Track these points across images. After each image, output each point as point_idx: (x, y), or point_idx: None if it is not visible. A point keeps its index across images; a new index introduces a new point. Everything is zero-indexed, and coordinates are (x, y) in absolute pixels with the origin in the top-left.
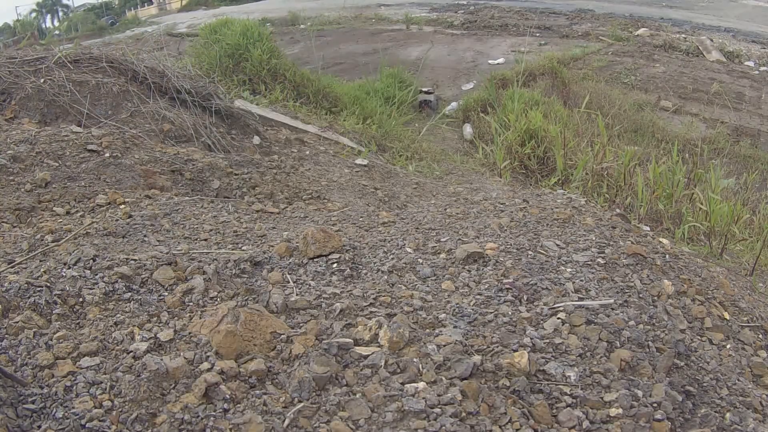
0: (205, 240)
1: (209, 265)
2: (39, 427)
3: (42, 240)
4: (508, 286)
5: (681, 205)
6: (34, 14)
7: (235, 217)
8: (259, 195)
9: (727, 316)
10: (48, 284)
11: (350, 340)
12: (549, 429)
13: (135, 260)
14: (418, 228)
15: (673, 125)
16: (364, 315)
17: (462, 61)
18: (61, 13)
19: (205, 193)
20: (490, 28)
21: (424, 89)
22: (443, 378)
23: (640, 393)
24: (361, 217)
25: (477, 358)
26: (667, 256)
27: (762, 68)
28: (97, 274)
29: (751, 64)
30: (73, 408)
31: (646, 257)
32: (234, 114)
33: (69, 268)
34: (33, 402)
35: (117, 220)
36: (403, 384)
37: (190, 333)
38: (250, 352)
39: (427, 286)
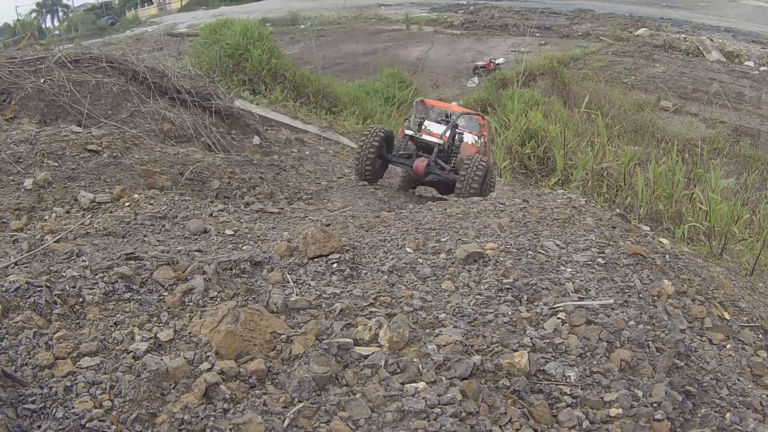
0: (205, 240)
1: (209, 265)
2: (39, 427)
3: (42, 240)
4: (508, 286)
5: (681, 205)
6: (34, 14)
7: (235, 217)
8: (259, 195)
9: (727, 316)
10: (48, 284)
11: (350, 340)
12: (549, 429)
13: (135, 260)
14: (418, 228)
15: (673, 125)
16: (364, 315)
17: (462, 61)
18: (61, 13)
19: (205, 193)
20: (490, 28)
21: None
22: (443, 378)
23: (640, 393)
24: (361, 217)
25: (477, 358)
26: (667, 256)
27: (762, 68)
28: (97, 274)
29: (751, 64)
30: (73, 408)
31: (646, 257)
32: (234, 114)
33: (69, 268)
34: (33, 402)
35: (117, 220)
36: (403, 384)
37: (190, 333)
38: (250, 352)
39: (427, 286)
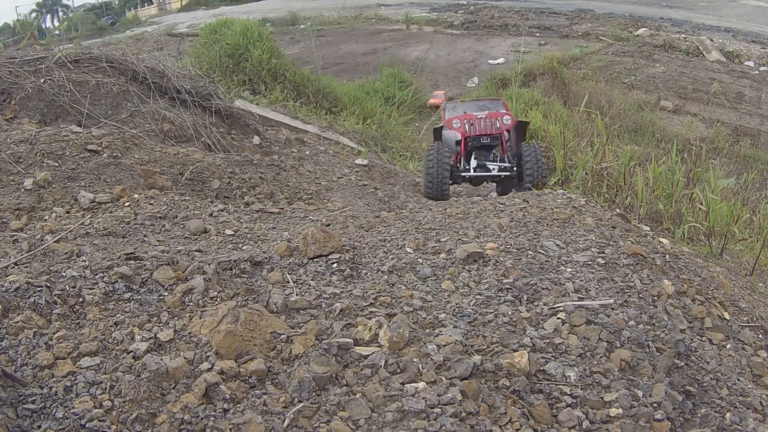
0: (205, 240)
1: (209, 265)
2: (39, 427)
3: (42, 240)
4: (508, 286)
5: (681, 205)
6: (34, 14)
7: (235, 217)
8: (259, 195)
9: (727, 316)
10: (48, 284)
11: (350, 340)
12: (549, 429)
13: (135, 260)
14: (418, 228)
15: (672, 125)
16: (364, 315)
17: (462, 61)
18: (61, 13)
19: (205, 193)
20: (490, 28)
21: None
22: (443, 378)
23: (640, 393)
24: (361, 217)
25: (477, 358)
26: (667, 256)
27: (762, 68)
28: (97, 274)
29: (751, 64)
30: (73, 408)
31: (646, 257)
32: (234, 114)
33: (69, 268)
34: (33, 402)
35: (117, 220)
36: (403, 384)
37: (190, 333)
38: (250, 352)
39: (427, 286)
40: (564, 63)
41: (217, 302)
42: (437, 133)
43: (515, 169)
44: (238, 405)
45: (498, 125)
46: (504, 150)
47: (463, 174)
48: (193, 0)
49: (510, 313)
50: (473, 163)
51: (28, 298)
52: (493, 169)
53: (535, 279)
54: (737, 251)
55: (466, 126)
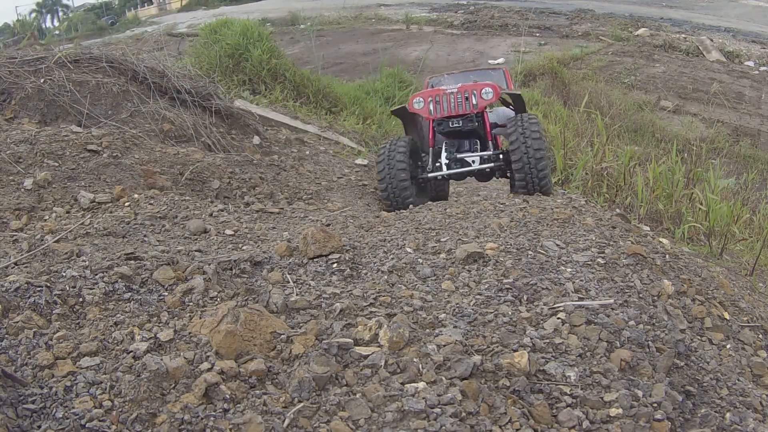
0: (205, 240)
1: (209, 265)
2: (39, 427)
3: (42, 240)
4: (508, 286)
5: (681, 205)
6: (34, 14)
7: (235, 217)
8: (259, 195)
9: (727, 316)
10: (48, 284)
11: (350, 340)
12: (549, 429)
13: (135, 260)
14: (418, 228)
15: (672, 125)
16: (364, 315)
17: (462, 61)
18: (61, 13)
19: (205, 193)
20: (490, 28)
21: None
22: (443, 378)
23: (640, 393)
24: (361, 217)
25: (477, 358)
26: (667, 256)
27: (762, 68)
28: (97, 274)
29: (751, 64)
30: (73, 408)
31: (646, 257)
32: (234, 114)
33: (69, 268)
34: (33, 402)
35: (117, 220)
36: (403, 384)
37: (190, 333)
38: (250, 352)
39: (427, 286)
40: (564, 63)
41: (217, 302)
42: (403, 117)
43: (501, 156)
44: (238, 405)
45: (474, 101)
46: (488, 134)
47: (432, 175)
48: (193, 0)
49: (510, 313)
50: (444, 158)
51: (28, 298)
52: (473, 162)
53: (535, 279)
54: (737, 251)
55: (431, 106)
